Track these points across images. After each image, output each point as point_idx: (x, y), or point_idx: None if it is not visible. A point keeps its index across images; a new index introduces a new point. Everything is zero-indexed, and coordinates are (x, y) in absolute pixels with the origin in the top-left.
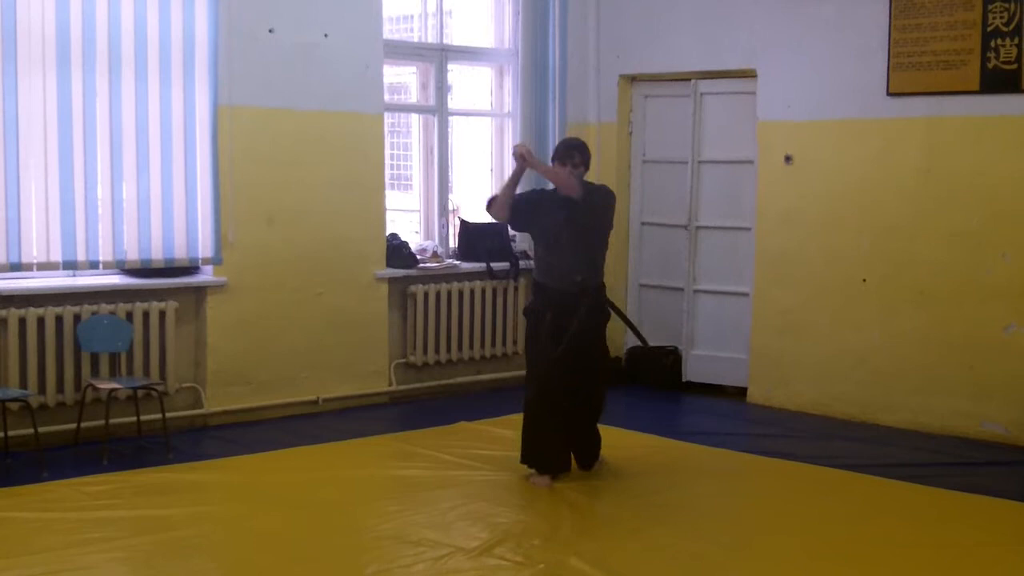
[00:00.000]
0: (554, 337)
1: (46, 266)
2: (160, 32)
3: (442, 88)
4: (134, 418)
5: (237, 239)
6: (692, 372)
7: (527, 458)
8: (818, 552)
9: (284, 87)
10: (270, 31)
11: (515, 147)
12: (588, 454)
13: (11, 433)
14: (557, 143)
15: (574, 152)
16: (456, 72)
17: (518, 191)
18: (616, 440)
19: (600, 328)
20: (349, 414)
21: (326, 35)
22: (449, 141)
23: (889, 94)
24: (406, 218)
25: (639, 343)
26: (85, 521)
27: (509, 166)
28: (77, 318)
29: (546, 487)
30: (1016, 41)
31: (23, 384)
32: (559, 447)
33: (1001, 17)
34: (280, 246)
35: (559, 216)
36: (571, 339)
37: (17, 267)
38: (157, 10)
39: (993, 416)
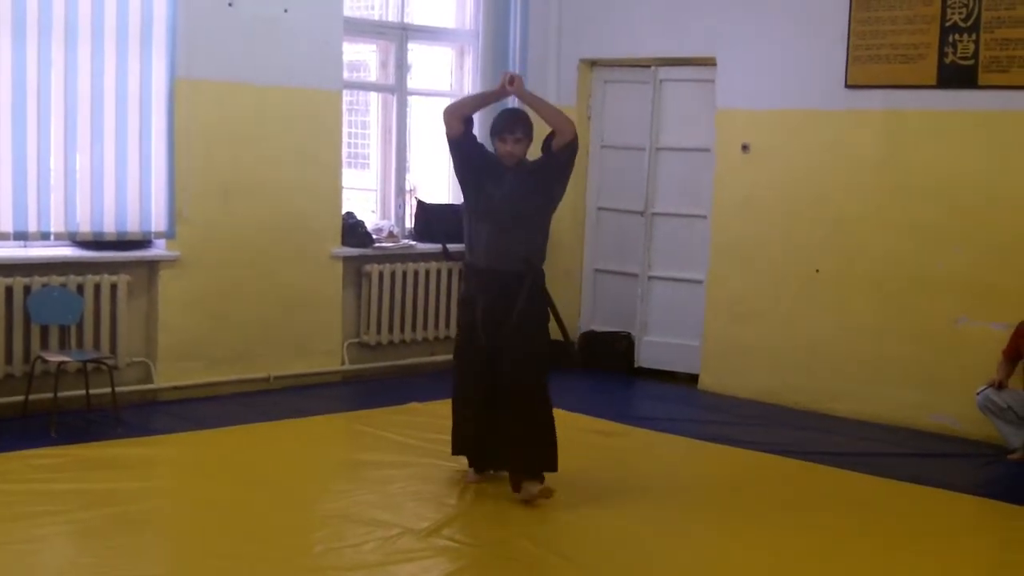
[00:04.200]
0: (486, 326)
1: None
2: (118, 2)
3: (402, 67)
4: (83, 391)
5: (191, 214)
6: (644, 358)
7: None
8: (760, 538)
9: (242, 61)
10: (229, 4)
11: (507, 73)
12: (515, 463)
13: None
14: (498, 113)
15: (517, 125)
16: (416, 52)
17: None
18: (567, 423)
19: (543, 316)
20: (301, 392)
21: (286, 10)
22: (408, 121)
23: (847, 86)
24: (363, 197)
25: (592, 328)
26: (32, 494)
27: None
28: (27, 289)
29: (472, 481)
30: (974, 37)
31: None
32: (475, 440)
33: (960, 13)
34: (235, 222)
35: (506, 186)
36: (510, 328)
37: None
38: None
39: (942, 408)
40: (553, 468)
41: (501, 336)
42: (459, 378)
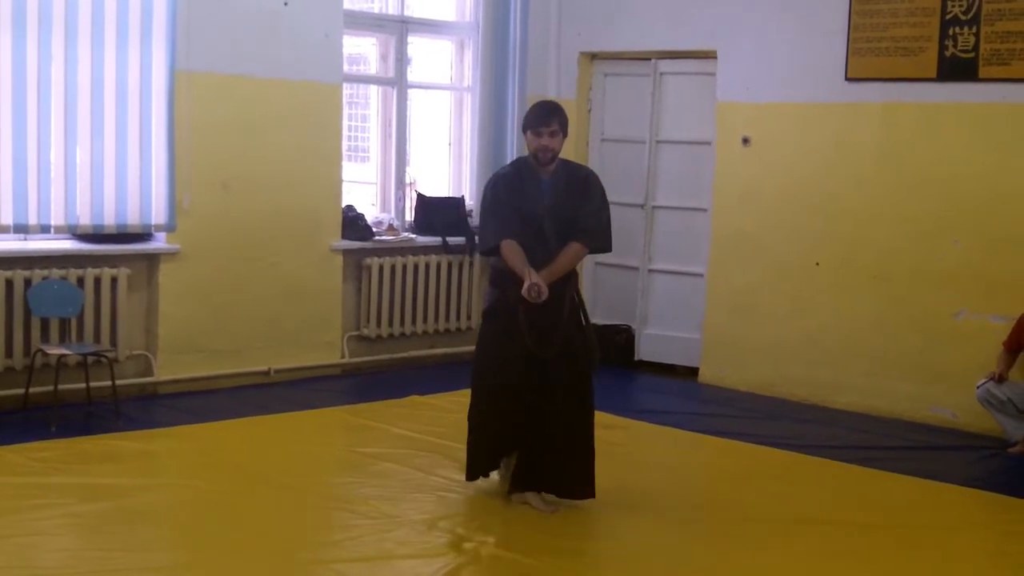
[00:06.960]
0: (539, 340)
1: None
2: None
3: (402, 60)
4: (84, 384)
5: (191, 207)
6: (645, 351)
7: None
8: (760, 532)
9: (242, 54)
10: None
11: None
12: (560, 483)
13: None
14: (530, 107)
15: (552, 117)
16: (416, 44)
17: (497, 187)
18: None
19: (586, 328)
20: (301, 385)
21: (286, 3)
22: (408, 114)
23: (848, 79)
24: (363, 190)
25: (592, 321)
26: (33, 487)
27: (467, 141)
28: (27, 282)
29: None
30: (974, 30)
31: None
32: (491, 455)
33: (960, 5)
34: (235, 215)
35: (542, 200)
36: (559, 338)
37: None
38: None
39: (942, 401)
40: (593, 494)
41: (550, 346)
42: (492, 390)
